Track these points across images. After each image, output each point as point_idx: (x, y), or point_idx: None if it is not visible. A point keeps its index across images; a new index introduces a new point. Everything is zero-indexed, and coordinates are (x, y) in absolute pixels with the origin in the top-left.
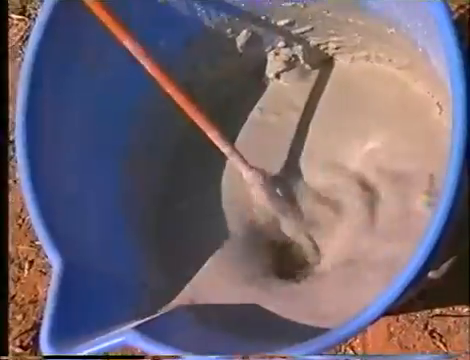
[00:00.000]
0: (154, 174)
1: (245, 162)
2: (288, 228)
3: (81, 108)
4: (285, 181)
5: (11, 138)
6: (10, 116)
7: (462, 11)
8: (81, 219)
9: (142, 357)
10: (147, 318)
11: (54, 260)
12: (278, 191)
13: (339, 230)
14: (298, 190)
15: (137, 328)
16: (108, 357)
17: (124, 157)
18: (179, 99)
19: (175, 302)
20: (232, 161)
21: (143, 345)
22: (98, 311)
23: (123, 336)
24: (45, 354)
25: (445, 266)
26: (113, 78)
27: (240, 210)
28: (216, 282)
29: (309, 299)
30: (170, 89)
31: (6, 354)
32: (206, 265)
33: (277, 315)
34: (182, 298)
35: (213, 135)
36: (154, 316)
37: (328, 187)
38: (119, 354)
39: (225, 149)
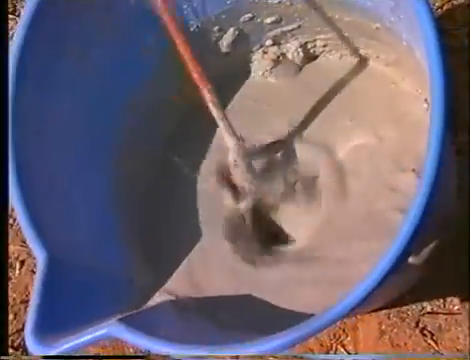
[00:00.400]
0: (144, 171)
1: (233, 130)
2: (265, 204)
3: (69, 105)
4: (270, 155)
5: None
6: None
7: (449, 6)
8: (69, 215)
9: (142, 357)
10: (131, 312)
11: (39, 255)
12: (257, 163)
13: (311, 217)
14: (282, 167)
15: (120, 320)
16: (108, 357)
17: (114, 154)
18: (186, 57)
19: (158, 296)
20: (220, 128)
21: (127, 336)
22: (84, 307)
23: (106, 328)
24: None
25: (426, 251)
26: (100, 75)
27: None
28: (197, 272)
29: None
30: (181, 47)
31: (6, 354)
32: (188, 257)
33: (259, 302)
34: (165, 291)
35: (208, 98)
36: (138, 310)
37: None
38: (119, 354)
39: (216, 113)
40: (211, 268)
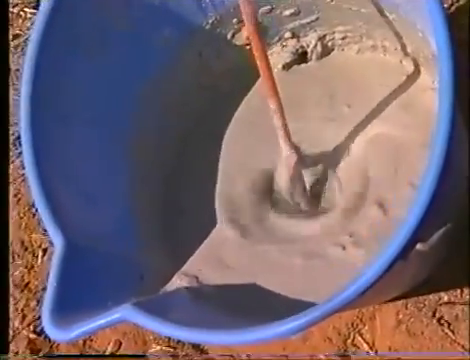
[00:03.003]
0: (164, 156)
1: (290, 140)
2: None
3: (87, 93)
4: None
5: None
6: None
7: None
8: (86, 199)
9: (143, 357)
10: (146, 297)
11: (55, 239)
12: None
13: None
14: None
15: (135, 304)
16: (109, 356)
17: (132, 142)
18: (262, 67)
19: (174, 280)
20: (278, 133)
21: (140, 320)
22: (99, 291)
23: (120, 312)
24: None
25: (435, 238)
26: (117, 64)
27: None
28: (214, 260)
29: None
30: (259, 58)
31: (6, 353)
32: (204, 244)
33: (275, 291)
34: (181, 276)
35: (273, 107)
36: (153, 295)
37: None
38: (120, 353)
39: (277, 122)
40: (228, 253)
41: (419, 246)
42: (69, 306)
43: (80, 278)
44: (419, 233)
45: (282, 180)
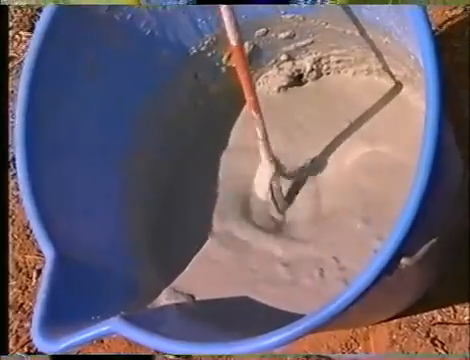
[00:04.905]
0: (156, 176)
1: (270, 151)
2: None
3: (83, 113)
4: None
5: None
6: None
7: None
8: (80, 214)
9: (145, 357)
10: (135, 310)
11: (47, 252)
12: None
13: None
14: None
15: (123, 317)
16: (111, 356)
17: (127, 160)
18: (244, 81)
19: (163, 295)
20: (259, 145)
21: (129, 333)
22: (89, 304)
23: (109, 325)
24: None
25: (421, 253)
26: (113, 85)
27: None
28: (201, 275)
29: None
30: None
31: (6, 353)
32: (194, 260)
33: (261, 304)
34: (169, 292)
35: (256, 121)
36: (142, 308)
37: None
38: (121, 354)
39: (260, 134)
40: (215, 272)
41: (405, 261)
42: (59, 318)
43: (71, 290)
44: (404, 247)
45: (261, 190)
